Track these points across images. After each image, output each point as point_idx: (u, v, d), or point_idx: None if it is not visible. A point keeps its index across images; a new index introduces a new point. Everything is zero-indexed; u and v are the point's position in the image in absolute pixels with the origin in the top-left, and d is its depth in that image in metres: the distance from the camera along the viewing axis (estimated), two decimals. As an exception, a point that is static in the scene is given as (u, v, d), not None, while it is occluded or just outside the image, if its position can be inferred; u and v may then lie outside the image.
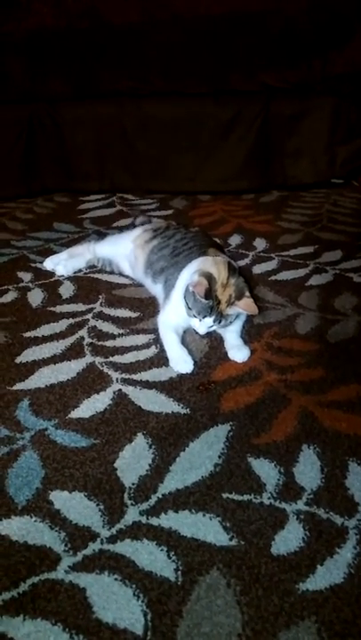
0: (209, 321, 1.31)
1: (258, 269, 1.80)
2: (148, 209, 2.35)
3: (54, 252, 1.92)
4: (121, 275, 1.75)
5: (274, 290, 1.66)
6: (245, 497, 0.96)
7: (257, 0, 2.38)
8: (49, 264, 1.79)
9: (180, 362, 1.30)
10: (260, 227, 2.13)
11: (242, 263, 1.83)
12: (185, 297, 1.35)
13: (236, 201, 2.42)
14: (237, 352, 1.34)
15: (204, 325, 1.33)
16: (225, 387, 1.24)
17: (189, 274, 1.37)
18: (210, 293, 1.28)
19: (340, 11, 2.24)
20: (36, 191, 2.51)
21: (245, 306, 1.32)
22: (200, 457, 1.04)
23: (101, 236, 1.87)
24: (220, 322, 1.32)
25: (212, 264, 1.36)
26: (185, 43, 2.30)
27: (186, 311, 1.35)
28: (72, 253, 1.82)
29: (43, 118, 2.42)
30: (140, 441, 1.08)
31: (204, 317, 1.31)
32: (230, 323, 1.36)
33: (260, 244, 1.98)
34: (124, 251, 1.71)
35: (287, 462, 1.03)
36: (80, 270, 1.79)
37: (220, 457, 1.04)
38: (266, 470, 1.01)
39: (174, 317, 1.41)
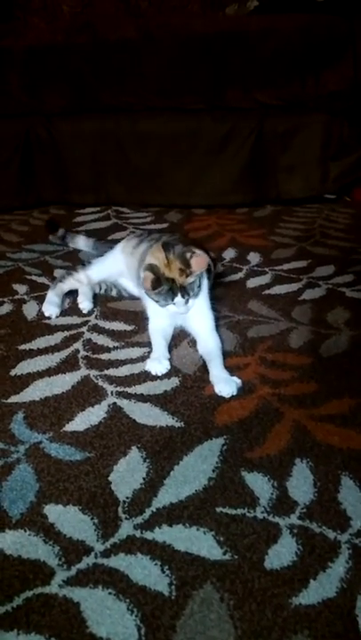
0: (179, 299, 1.35)
1: (251, 283, 1.82)
2: (143, 222, 2.37)
3: (49, 265, 1.93)
4: (133, 297, 1.69)
5: (267, 304, 1.68)
6: (239, 511, 0.96)
7: (252, 19, 2.44)
8: (53, 311, 1.63)
9: (155, 363, 1.34)
10: (253, 241, 2.16)
11: (235, 277, 1.85)
12: (148, 297, 1.40)
13: (230, 215, 2.45)
14: (225, 386, 1.27)
15: (178, 304, 1.36)
16: (219, 400, 1.25)
17: None
18: (158, 282, 1.34)
19: (332, 30, 2.29)
20: (32, 203, 2.53)
21: (196, 265, 1.35)
22: (194, 471, 1.05)
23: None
24: (188, 294, 1.36)
25: (149, 255, 1.42)
26: (181, 60, 2.34)
27: (159, 306, 1.39)
28: (59, 292, 1.70)
29: (39, 132, 2.45)
30: (135, 454, 1.09)
31: (172, 300, 1.35)
32: (198, 291, 1.38)
33: (253, 258, 2.01)
34: (119, 265, 1.71)
35: (280, 476, 1.04)
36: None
37: (213, 471, 1.05)
38: (259, 484, 1.02)
39: (157, 319, 1.46)
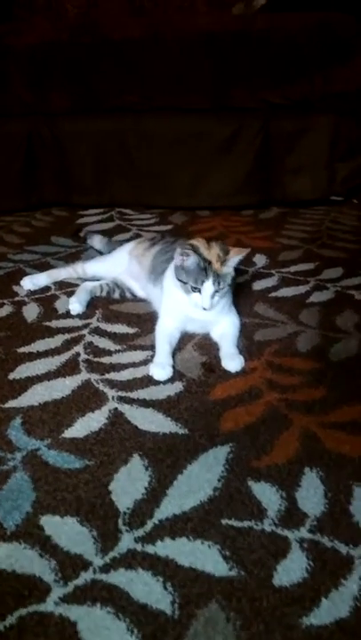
0: (209, 285, 1.31)
1: (258, 286, 1.77)
2: (147, 224, 2.33)
3: (51, 266, 1.89)
4: (134, 297, 1.67)
5: (274, 307, 1.63)
6: (246, 523, 0.91)
7: (259, 18, 2.40)
8: (29, 284, 1.72)
9: (158, 368, 1.30)
10: (259, 242, 2.11)
11: (241, 279, 1.80)
12: (177, 276, 1.36)
13: (235, 217, 2.41)
14: (230, 361, 1.33)
15: (206, 294, 1.31)
16: (224, 406, 1.21)
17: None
18: (198, 251, 1.32)
19: (341, 29, 2.25)
20: (35, 204, 2.49)
21: (235, 252, 1.34)
22: (198, 480, 1.00)
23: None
24: (219, 284, 1.32)
25: (191, 240, 1.40)
26: (186, 58, 2.30)
27: (183, 292, 1.35)
28: (52, 275, 1.77)
29: (42, 132, 2.41)
30: (136, 462, 1.04)
31: (202, 283, 1.31)
32: (227, 288, 1.36)
33: (259, 260, 1.96)
34: (121, 265, 1.69)
35: (289, 486, 0.99)
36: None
37: (219, 480, 1.00)
38: (267, 495, 0.97)
39: (170, 321, 1.43)
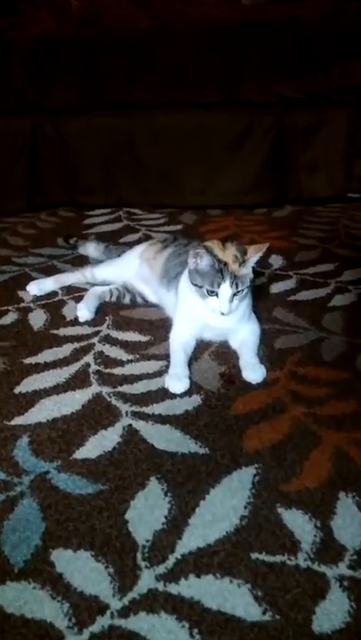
0: (226, 288, 1.22)
1: (275, 288, 1.68)
2: (156, 224, 2.24)
3: (58, 270, 1.81)
4: (145, 302, 1.59)
5: (294, 311, 1.54)
6: (278, 558, 0.83)
7: (271, 7, 2.31)
8: (35, 290, 1.64)
9: (174, 380, 1.21)
10: (275, 242, 2.00)
11: (258, 282, 1.71)
12: (191, 280, 1.27)
13: (248, 215, 2.31)
14: (251, 372, 1.25)
15: (223, 297, 1.22)
16: (247, 422, 1.12)
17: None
18: (212, 252, 1.23)
19: (358, 18, 2.15)
20: (39, 205, 2.41)
21: (254, 249, 1.26)
22: (223, 507, 0.91)
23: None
24: (237, 286, 1.23)
25: (205, 242, 1.31)
26: (195, 51, 2.21)
27: (199, 296, 1.27)
28: (60, 280, 1.68)
29: (46, 129, 2.33)
30: (154, 487, 0.95)
31: (219, 286, 1.22)
32: (246, 290, 1.27)
33: (276, 261, 1.87)
34: (131, 269, 1.61)
35: (323, 514, 0.90)
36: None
37: (245, 507, 0.91)
38: (299, 524, 0.88)
39: (185, 328, 1.34)
